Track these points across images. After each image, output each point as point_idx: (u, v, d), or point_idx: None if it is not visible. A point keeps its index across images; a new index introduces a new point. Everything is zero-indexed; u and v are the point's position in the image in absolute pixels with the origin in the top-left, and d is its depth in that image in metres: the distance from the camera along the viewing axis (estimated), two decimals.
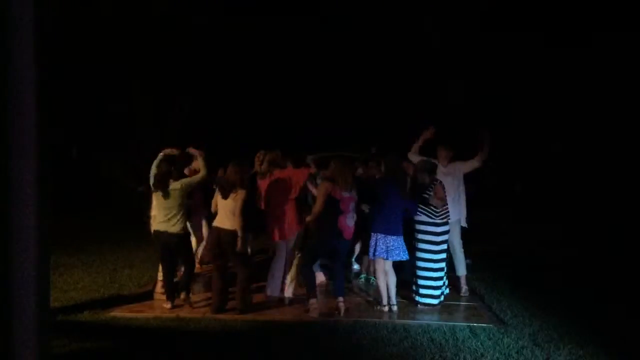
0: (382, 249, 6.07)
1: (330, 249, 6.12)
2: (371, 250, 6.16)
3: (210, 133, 14.11)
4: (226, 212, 5.92)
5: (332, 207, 5.87)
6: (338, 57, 18.30)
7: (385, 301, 6.19)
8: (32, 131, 2.29)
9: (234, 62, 16.88)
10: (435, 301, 6.32)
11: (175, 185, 5.97)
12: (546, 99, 17.21)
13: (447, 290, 6.55)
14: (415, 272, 6.37)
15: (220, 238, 5.93)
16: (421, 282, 6.33)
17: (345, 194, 5.91)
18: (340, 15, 17.72)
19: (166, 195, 5.93)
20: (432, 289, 6.31)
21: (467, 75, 17.43)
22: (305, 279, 6.10)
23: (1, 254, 1.86)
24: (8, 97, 2.33)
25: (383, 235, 6.06)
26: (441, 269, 6.35)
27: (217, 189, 6.13)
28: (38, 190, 1.99)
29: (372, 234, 6.13)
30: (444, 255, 6.38)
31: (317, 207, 5.89)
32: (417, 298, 6.34)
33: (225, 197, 5.93)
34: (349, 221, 5.99)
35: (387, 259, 6.09)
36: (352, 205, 6.01)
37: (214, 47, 16.14)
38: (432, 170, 6.40)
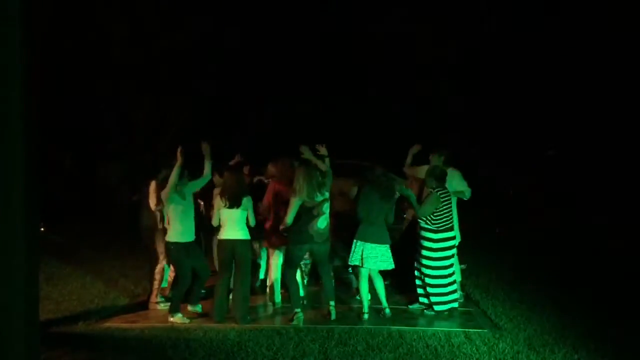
0: (358, 256, 6.07)
1: (306, 253, 6.17)
2: (351, 254, 6.17)
3: (206, 140, 14.07)
4: (238, 223, 5.89)
5: (303, 213, 5.86)
6: (337, 62, 18.36)
7: (366, 308, 6.17)
8: (20, 135, 2.28)
9: (232, 70, 16.88)
10: (442, 307, 6.28)
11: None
12: (540, 103, 17.31)
13: (460, 298, 6.54)
14: (422, 278, 6.37)
15: (235, 250, 5.89)
16: (430, 289, 6.30)
17: (318, 198, 5.90)
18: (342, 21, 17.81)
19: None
20: (439, 296, 6.27)
21: (465, 81, 17.51)
22: (289, 287, 6.09)
23: None
24: None
25: (362, 243, 6.07)
26: (447, 276, 6.28)
27: (218, 198, 5.96)
28: (26, 200, 1.98)
29: (354, 240, 6.15)
30: (445, 263, 6.28)
31: (287, 217, 5.85)
32: (434, 306, 6.31)
33: (237, 206, 5.86)
34: (321, 224, 5.95)
35: (361, 266, 6.10)
36: (324, 206, 5.97)
37: (211, 55, 16.16)
38: (440, 177, 6.30)
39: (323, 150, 6.16)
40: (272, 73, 17.60)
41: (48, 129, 13.09)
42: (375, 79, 18.58)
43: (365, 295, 6.20)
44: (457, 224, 6.67)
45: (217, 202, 5.95)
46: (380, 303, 6.25)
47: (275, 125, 18.46)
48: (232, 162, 6.59)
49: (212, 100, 16.78)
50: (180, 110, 16.52)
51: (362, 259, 6.06)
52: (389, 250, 6.14)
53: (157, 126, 16.41)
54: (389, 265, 6.13)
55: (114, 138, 16.58)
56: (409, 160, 6.91)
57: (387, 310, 6.17)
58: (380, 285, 6.18)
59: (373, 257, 6.05)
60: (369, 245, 6.05)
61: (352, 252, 6.14)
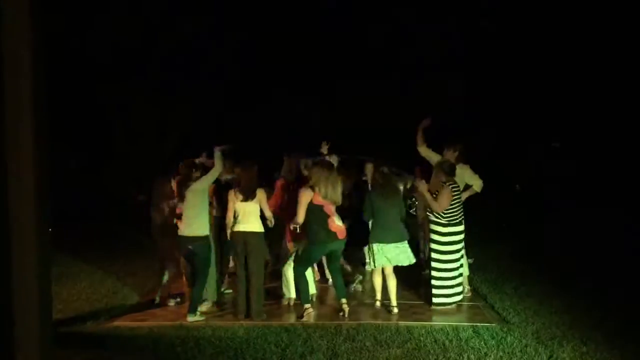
0: (383, 257, 6.10)
1: (325, 252, 6.19)
2: (370, 259, 6.20)
3: (212, 138, 14.10)
4: (251, 215, 5.96)
5: (318, 212, 5.88)
6: (337, 60, 18.33)
7: (379, 296, 6.26)
8: (30, 134, 2.29)
9: (236, 68, 16.89)
10: (448, 300, 6.30)
11: (195, 187, 5.95)
12: (544, 95, 17.22)
13: (467, 293, 6.59)
14: (430, 272, 6.40)
15: (247, 241, 5.94)
16: (433, 282, 6.32)
17: (326, 200, 5.91)
18: (337, 16, 17.77)
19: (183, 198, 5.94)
20: (444, 289, 6.29)
21: (467, 72, 17.45)
22: (299, 284, 6.11)
23: (1, 266, 1.87)
24: (4, 104, 2.34)
25: (381, 245, 6.09)
26: (453, 269, 6.31)
27: (232, 194, 6.03)
28: (37, 200, 1.99)
29: (371, 244, 6.16)
30: (456, 256, 6.31)
31: (299, 215, 5.86)
32: (432, 298, 6.33)
33: (250, 199, 5.93)
34: (339, 221, 6.00)
35: (384, 265, 6.16)
36: (333, 208, 6.00)
37: (215, 54, 16.18)
38: (449, 171, 6.29)
39: (324, 148, 6.21)
40: (271, 71, 17.62)
41: (54, 130, 13.14)
42: (376, 75, 18.55)
43: (379, 289, 6.24)
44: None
45: (231, 197, 6.02)
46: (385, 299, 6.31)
47: (274, 122, 18.45)
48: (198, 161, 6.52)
49: (214, 100, 16.81)
50: (184, 111, 16.58)
51: (388, 259, 6.09)
52: (408, 246, 6.18)
53: (161, 127, 16.48)
54: (411, 260, 6.18)
55: (119, 139, 16.66)
56: (420, 137, 6.77)
57: (395, 310, 6.17)
58: (393, 283, 6.20)
59: (397, 255, 6.10)
60: (390, 246, 6.07)
61: (372, 255, 6.15)
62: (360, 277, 7.32)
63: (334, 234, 5.93)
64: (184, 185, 5.94)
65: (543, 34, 16.48)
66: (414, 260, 6.22)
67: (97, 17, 14.90)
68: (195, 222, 5.90)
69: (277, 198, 6.44)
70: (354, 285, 7.14)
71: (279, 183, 6.53)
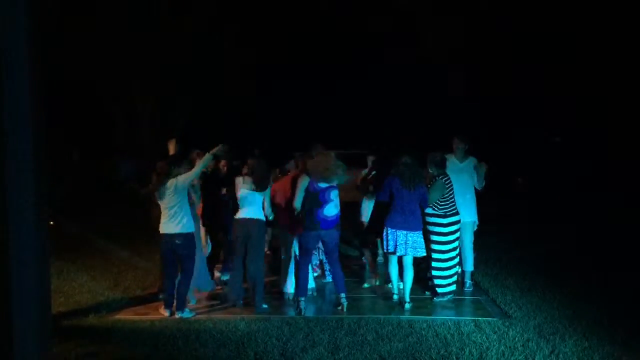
0: (392, 243, 6.09)
1: (316, 241, 6.15)
2: (384, 244, 6.23)
3: (212, 132, 14.16)
4: (256, 205, 6.03)
5: (312, 199, 5.91)
6: (337, 56, 18.33)
7: (396, 290, 6.25)
8: (28, 132, 2.27)
9: (234, 62, 16.88)
10: (447, 289, 6.32)
11: (170, 184, 5.82)
12: (545, 91, 17.19)
13: (470, 287, 6.72)
14: (430, 264, 6.41)
15: (250, 230, 5.99)
16: (435, 272, 6.35)
17: (322, 185, 5.91)
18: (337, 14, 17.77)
19: (161, 195, 5.82)
20: (443, 279, 6.32)
21: (467, 68, 17.43)
22: (298, 275, 6.12)
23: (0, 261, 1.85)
24: (3, 100, 2.32)
25: (393, 230, 6.08)
26: (452, 259, 6.34)
27: (241, 181, 6.07)
28: (35, 195, 1.98)
29: (385, 228, 6.17)
30: (453, 245, 6.36)
31: (295, 199, 5.93)
32: (437, 289, 6.35)
33: (263, 190, 6.01)
34: (329, 211, 5.95)
35: (397, 254, 6.11)
36: (332, 194, 5.97)
37: (214, 48, 16.17)
38: (440, 163, 6.30)
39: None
40: (273, 68, 17.62)
41: (56, 124, 13.16)
42: (379, 71, 18.57)
43: (395, 280, 6.24)
44: (476, 207, 6.79)
45: (241, 184, 6.05)
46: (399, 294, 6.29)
47: (280, 119, 18.48)
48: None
49: (217, 97, 16.82)
50: (186, 106, 16.59)
51: (396, 246, 6.08)
52: (421, 237, 6.15)
53: (163, 121, 16.49)
54: (421, 252, 6.15)
55: (121, 133, 16.67)
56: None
57: (407, 306, 6.09)
58: (409, 278, 6.16)
59: (404, 244, 6.07)
60: (401, 233, 6.06)
61: (384, 240, 6.16)
62: (376, 280, 7.13)
63: (318, 222, 5.91)
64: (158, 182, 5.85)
65: (545, 28, 16.44)
66: (424, 254, 6.18)
67: (98, 14, 14.90)
68: (184, 219, 5.86)
69: (287, 188, 6.40)
70: (371, 283, 7.11)
71: (291, 175, 6.49)
